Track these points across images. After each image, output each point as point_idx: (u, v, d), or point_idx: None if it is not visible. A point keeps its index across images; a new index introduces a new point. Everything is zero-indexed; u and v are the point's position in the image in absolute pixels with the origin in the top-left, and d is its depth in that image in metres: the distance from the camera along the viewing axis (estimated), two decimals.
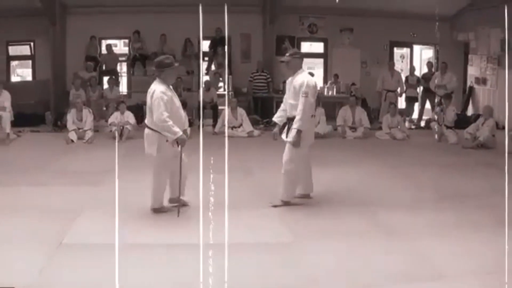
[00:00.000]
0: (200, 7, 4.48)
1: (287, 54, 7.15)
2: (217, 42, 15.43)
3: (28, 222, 6.24)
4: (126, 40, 17.04)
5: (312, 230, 6.20)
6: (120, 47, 17.16)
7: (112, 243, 5.41)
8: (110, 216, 6.30)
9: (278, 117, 7.31)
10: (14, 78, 17.09)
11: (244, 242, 5.62)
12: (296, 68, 7.04)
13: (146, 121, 6.66)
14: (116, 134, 12.08)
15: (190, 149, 6.57)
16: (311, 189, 7.43)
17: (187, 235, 5.71)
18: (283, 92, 15.42)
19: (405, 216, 6.74)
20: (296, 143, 6.84)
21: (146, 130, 6.59)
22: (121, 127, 12.19)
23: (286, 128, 7.06)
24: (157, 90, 6.37)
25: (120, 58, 16.45)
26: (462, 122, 13.41)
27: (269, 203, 7.08)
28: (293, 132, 6.84)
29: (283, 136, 7.11)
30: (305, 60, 17.04)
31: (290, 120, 6.99)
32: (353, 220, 6.54)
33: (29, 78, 16.97)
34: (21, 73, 17.90)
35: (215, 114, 14.09)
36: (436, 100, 14.54)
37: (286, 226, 6.31)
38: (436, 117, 13.34)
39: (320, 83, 16.60)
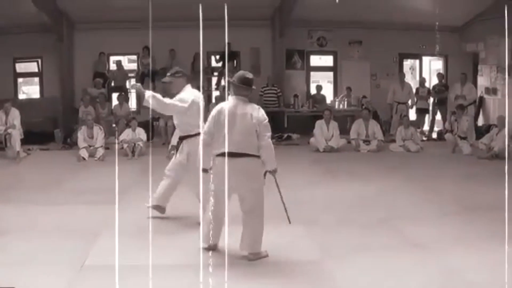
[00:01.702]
0: None
1: (169, 74, 6.82)
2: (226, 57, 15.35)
3: (48, 242, 6.10)
4: (131, 56, 17.00)
5: (340, 246, 6.04)
6: (125, 63, 17.06)
7: (136, 265, 5.31)
8: (131, 236, 6.22)
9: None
10: (20, 96, 17.02)
11: (273, 261, 5.52)
12: (180, 87, 6.76)
13: (242, 149, 5.39)
14: (128, 151, 11.96)
15: None
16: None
17: (207, 255, 5.58)
18: (293, 106, 15.55)
19: (431, 229, 6.65)
20: None
21: (246, 159, 5.40)
22: (133, 144, 12.08)
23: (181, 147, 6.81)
24: (261, 111, 5.57)
25: (128, 74, 16.37)
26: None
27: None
28: None
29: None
30: (314, 73, 17.24)
31: (183, 138, 6.79)
32: (380, 235, 6.41)
33: (35, 95, 16.92)
34: (27, 90, 17.82)
35: None
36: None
37: (313, 242, 6.16)
38: (450, 127, 13.26)
39: (330, 97, 16.58)
